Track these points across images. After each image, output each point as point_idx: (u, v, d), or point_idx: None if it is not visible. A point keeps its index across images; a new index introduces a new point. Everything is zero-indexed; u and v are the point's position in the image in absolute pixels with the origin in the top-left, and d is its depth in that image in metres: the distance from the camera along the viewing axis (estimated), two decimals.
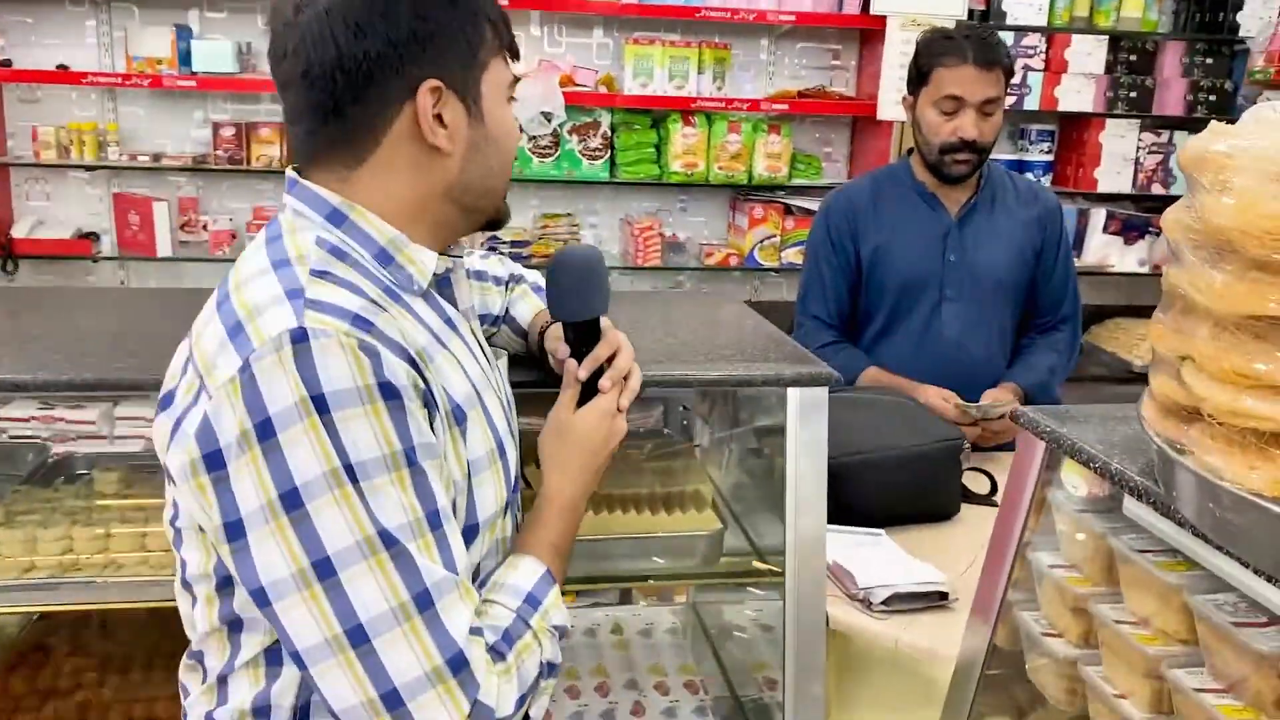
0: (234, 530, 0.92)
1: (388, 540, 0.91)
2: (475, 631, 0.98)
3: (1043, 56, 4.01)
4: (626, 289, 3.71)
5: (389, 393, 0.93)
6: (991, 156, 4.07)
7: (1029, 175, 4.22)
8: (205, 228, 3.77)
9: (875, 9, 3.77)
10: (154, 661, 1.86)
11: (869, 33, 3.96)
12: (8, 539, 1.54)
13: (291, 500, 0.90)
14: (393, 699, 0.92)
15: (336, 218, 1.03)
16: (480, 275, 1.43)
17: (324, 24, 0.98)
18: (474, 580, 1.08)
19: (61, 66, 3.64)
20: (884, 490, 1.90)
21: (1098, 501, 1.30)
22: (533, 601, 1.07)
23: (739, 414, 1.96)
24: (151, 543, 1.59)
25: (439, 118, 1.02)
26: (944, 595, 1.66)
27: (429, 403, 0.98)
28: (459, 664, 0.94)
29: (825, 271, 2.41)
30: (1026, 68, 3.98)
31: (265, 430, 0.90)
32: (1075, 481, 1.31)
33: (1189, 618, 1.13)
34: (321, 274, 0.98)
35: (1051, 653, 1.31)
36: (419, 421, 0.96)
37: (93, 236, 3.79)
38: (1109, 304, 4.30)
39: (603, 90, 3.79)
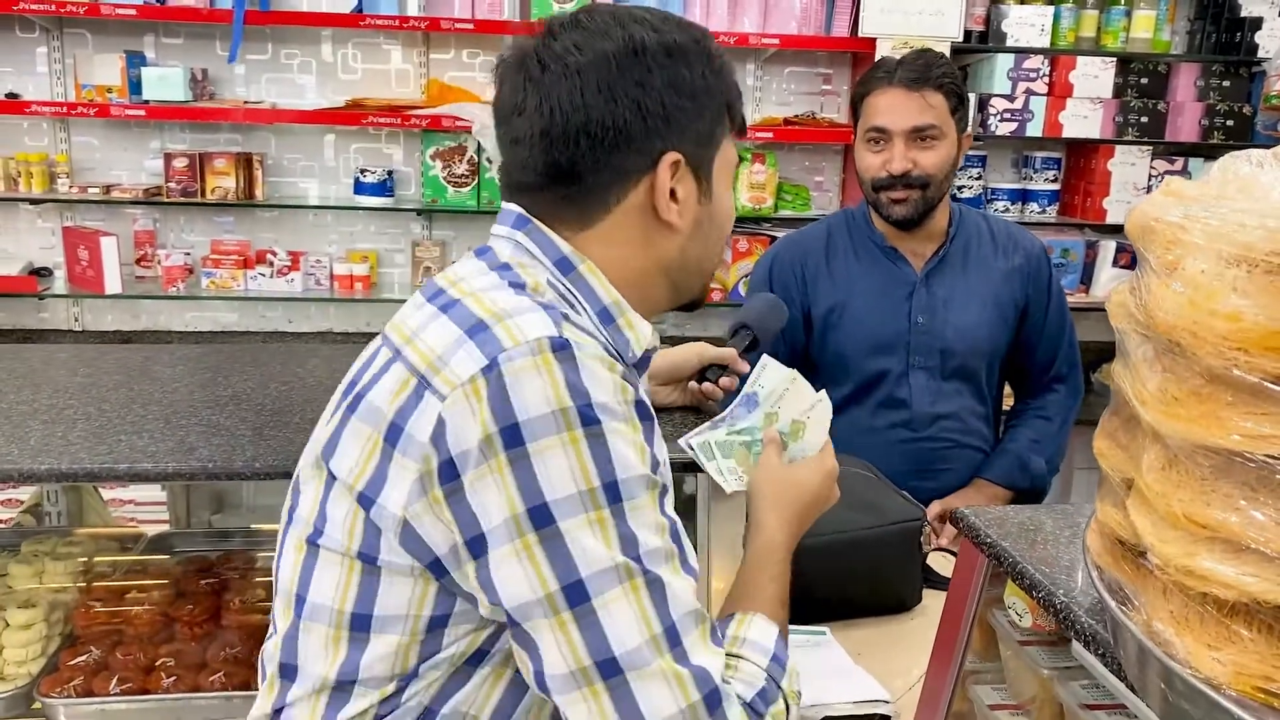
0: (476, 546, 0.88)
1: (636, 562, 0.87)
2: (725, 681, 0.92)
3: (1046, 80, 3.77)
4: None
5: (644, 412, 0.93)
6: (994, 185, 3.93)
7: (1033, 205, 4.00)
8: (159, 262, 3.59)
9: (864, 31, 3.55)
10: None
11: (860, 56, 3.74)
12: None
13: (540, 517, 0.85)
14: None
15: (565, 265, 1.00)
16: None
17: (575, 85, 0.96)
18: None
19: (11, 95, 3.49)
20: (833, 579, 1.66)
21: (1044, 634, 1.06)
22: (779, 662, 1.00)
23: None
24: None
25: (673, 192, 1.00)
26: (886, 719, 1.42)
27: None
28: (714, 703, 0.88)
29: None
30: (1029, 92, 3.75)
31: (511, 437, 0.85)
32: (1021, 608, 1.08)
33: None
34: (555, 311, 0.93)
35: None
36: (661, 442, 0.97)
37: (44, 272, 3.62)
38: None
39: None
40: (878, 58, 3.48)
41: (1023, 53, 3.73)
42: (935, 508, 1.99)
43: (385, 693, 0.94)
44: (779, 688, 0.97)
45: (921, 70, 1.97)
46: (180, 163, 3.50)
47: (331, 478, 0.94)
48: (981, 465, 2.11)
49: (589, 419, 0.86)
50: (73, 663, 1.41)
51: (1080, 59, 3.77)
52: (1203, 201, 0.74)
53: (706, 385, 1.58)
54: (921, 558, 1.78)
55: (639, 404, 0.92)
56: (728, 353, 1.58)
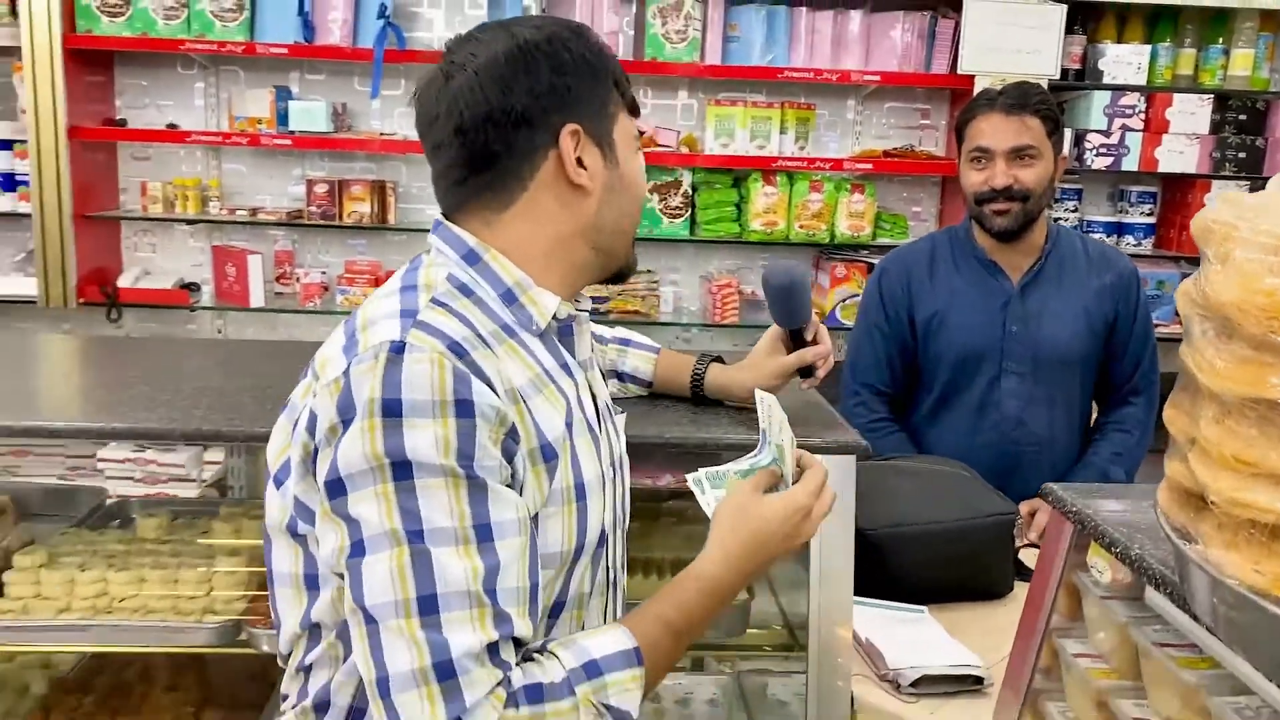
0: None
1: (412, 538, 0.95)
2: (494, 657, 0.96)
3: (1142, 116, 3.87)
4: (706, 346, 3.69)
5: (464, 410, 0.97)
6: (1090, 218, 4.03)
7: (1129, 238, 4.08)
8: (298, 280, 3.90)
9: (963, 69, 3.70)
10: (186, 710, 1.90)
11: (959, 92, 3.89)
12: (48, 580, 1.60)
13: (335, 489, 0.98)
14: (383, 687, 0.95)
15: (472, 258, 1.12)
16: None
17: (475, 84, 1.09)
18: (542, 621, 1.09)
19: (171, 126, 3.84)
20: (929, 566, 1.82)
21: (1122, 588, 1.22)
22: (592, 671, 1.01)
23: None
24: (183, 588, 1.62)
25: (579, 160, 1.12)
26: (979, 680, 1.57)
27: (513, 434, 1.02)
28: (446, 672, 0.94)
29: (876, 337, 2.33)
30: (1125, 128, 3.85)
31: (344, 427, 0.98)
32: (1101, 565, 1.24)
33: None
34: (441, 304, 1.06)
35: None
36: (488, 444, 0.99)
37: (193, 287, 3.95)
38: None
39: (684, 150, 3.81)
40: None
41: (1119, 90, 3.83)
42: (1025, 507, 2.13)
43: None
44: (571, 691, 0.98)
45: (1020, 97, 2.16)
46: (321, 188, 3.81)
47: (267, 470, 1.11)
48: (1065, 477, 2.24)
49: (390, 410, 0.95)
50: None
51: (1177, 95, 3.85)
52: (1253, 207, 0.90)
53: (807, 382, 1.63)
54: (1014, 551, 1.93)
55: (460, 403, 0.97)
56: (819, 350, 1.56)
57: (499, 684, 0.95)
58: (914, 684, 1.56)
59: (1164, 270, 4.00)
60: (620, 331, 1.69)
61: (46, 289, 3.66)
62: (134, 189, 3.90)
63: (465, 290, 1.09)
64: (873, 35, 3.81)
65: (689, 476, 1.20)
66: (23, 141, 3.61)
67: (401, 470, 0.95)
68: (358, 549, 0.97)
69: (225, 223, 3.90)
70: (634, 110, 1.21)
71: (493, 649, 0.96)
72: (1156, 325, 2.45)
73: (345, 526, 0.98)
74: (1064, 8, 3.65)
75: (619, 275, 1.24)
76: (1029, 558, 1.97)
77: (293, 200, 3.95)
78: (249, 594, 1.63)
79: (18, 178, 3.69)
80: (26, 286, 3.71)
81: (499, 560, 0.97)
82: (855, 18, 3.78)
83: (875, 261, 3.84)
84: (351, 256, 3.99)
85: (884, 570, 1.78)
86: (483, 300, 1.10)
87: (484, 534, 0.97)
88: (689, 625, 1.10)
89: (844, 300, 3.89)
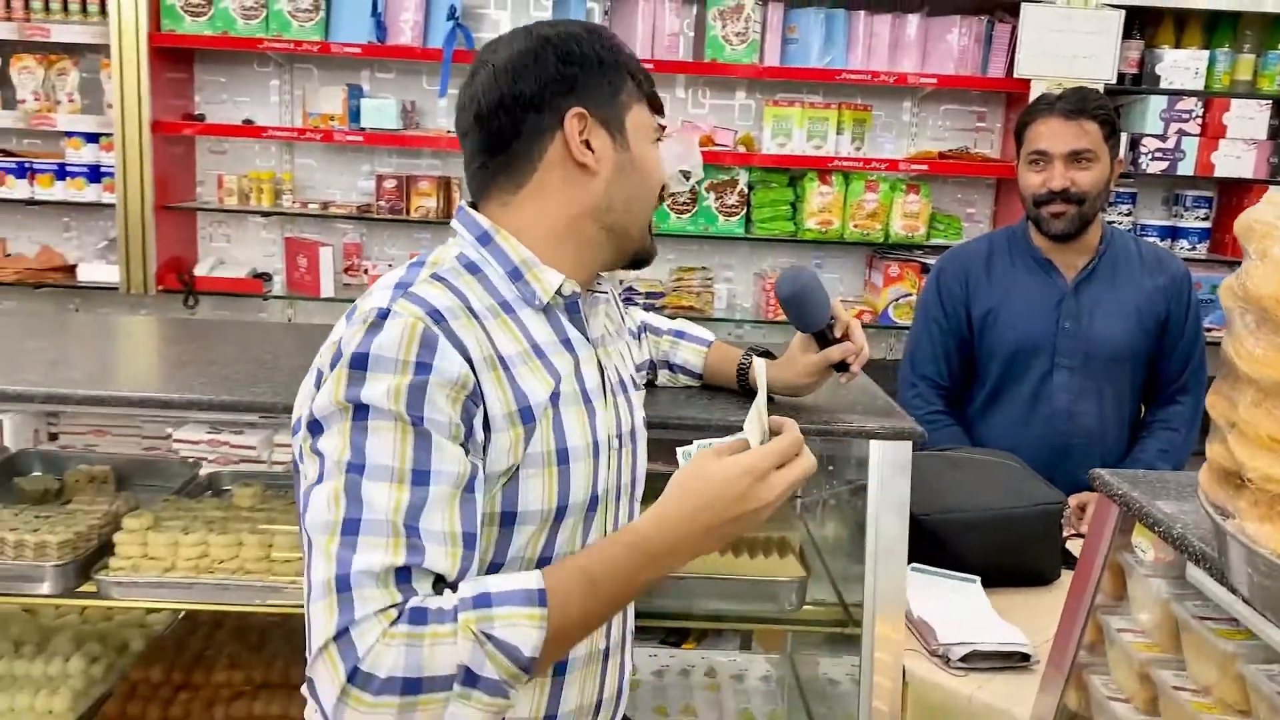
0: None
1: (353, 470, 1.04)
2: (400, 583, 1.01)
3: (1199, 121, 3.88)
4: (757, 341, 3.76)
5: (421, 369, 1.06)
6: (1144, 221, 4.06)
7: (1183, 242, 4.10)
8: (365, 272, 4.04)
9: (1019, 72, 3.75)
10: (275, 665, 2.02)
11: (1015, 96, 3.93)
12: (154, 542, 1.73)
13: (314, 428, 1.09)
14: (307, 595, 1.03)
15: (485, 239, 1.22)
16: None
17: (491, 76, 1.21)
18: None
19: (247, 121, 3.99)
20: (980, 550, 1.90)
21: (1165, 566, 1.29)
22: (482, 603, 1.02)
23: (837, 466, 1.99)
24: (278, 552, 1.74)
25: (587, 143, 1.21)
26: (1025, 657, 1.64)
27: (475, 398, 1.09)
28: (344, 585, 1.00)
29: (935, 332, 2.41)
30: (1181, 132, 3.87)
31: (326, 375, 1.09)
32: (1144, 545, 1.31)
33: (1246, 687, 1.12)
34: (440, 278, 1.15)
35: (1115, 717, 1.30)
36: (440, 401, 1.06)
37: (265, 276, 4.10)
38: None
39: (741, 150, 3.89)
40: (1032, 98, 3.69)
41: (1176, 94, 3.85)
42: (1075, 500, 2.19)
43: None
44: (454, 618, 1.00)
45: (1078, 102, 2.23)
46: (389, 184, 3.95)
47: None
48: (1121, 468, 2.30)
49: (357, 363, 1.06)
50: None
51: (1235, 101, 3.86)
52: None
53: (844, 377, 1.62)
54: (1061, 540, 2.00)
55: (419, 364, 1.05)
56: (847, 347, 1.57)
57: (393, 605, 1.00)
58: (963, 659, 1.63)
59: (1218, 275, 4.01)
60: (678, 324, 1.77)
61: (128, 276, 3.83)
62: (211, 181, 4.07)
63: (472, 268, 1.19)
64: (930, 38, 3.86)
65: (678, 449, 1.17)
66: (108, 135, 3.78)
67: (359, 412, 1.05)
68: (318, 478, 1.06)
69: (297, 215, 4.04)
70: (655, 106, 1.29)
71: (401, 574, 1.01)
72: (1208, 329, 2.50)
73: (316, 461, 1.08)
74: (1122, 13, 3.68)
75: (637, 260, 1.31)
76: (1076, 547, 2.03)
77: (361, 194, 4.09)
78: None
79: (103, 169, 3.86)
80: (109, 273, 3.88)
81: (427, 501, 1.04)
82: (913, 21, 3.84)
83: (929, 261, 3.91)
84: (416, 250, 4.12)
85: (937, 554, 1.86)
86: (488, 278, 1.19)
87: (419, 478, 1.05)
88: (613, 580, 1.09)
89: (897, 299, 3.95)
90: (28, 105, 3.84)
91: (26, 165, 3.88)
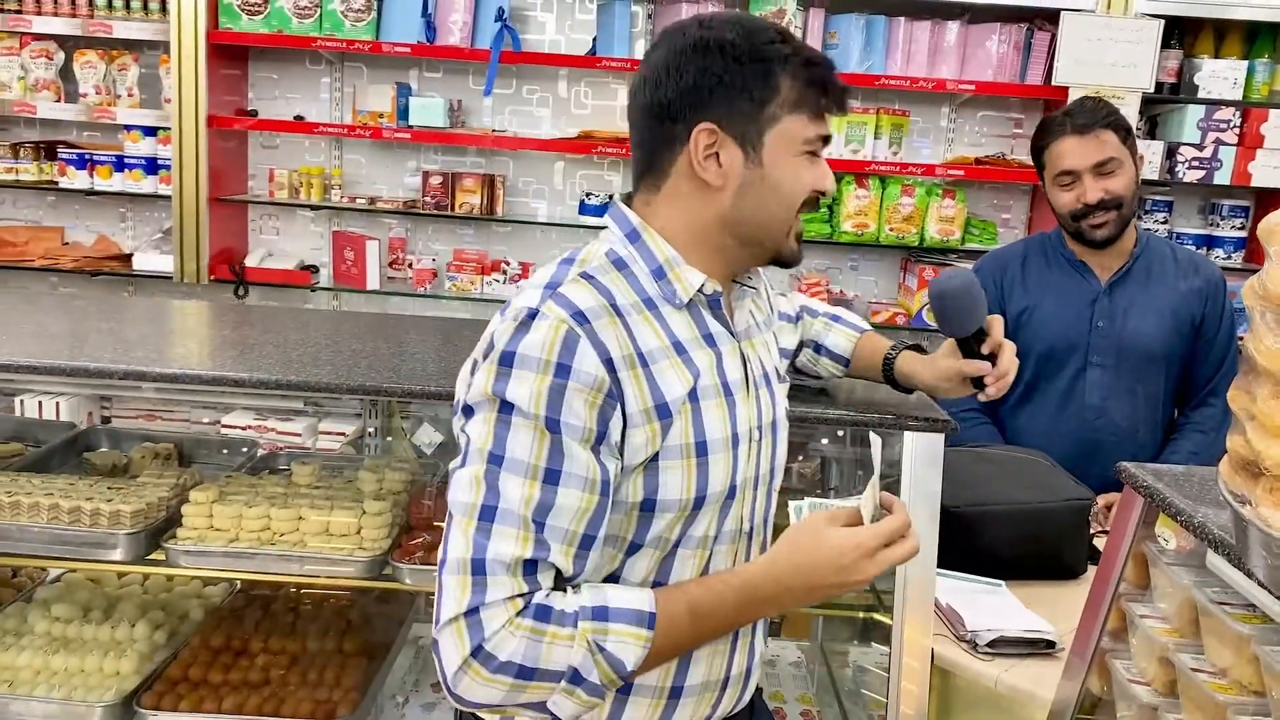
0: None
1: (494, 460, 1.13)
2: (527, 575, 1.11)
3: (1236, 130, 3.91)
4: None
5: (561, 371, 1.12)
6: (1179, 230, 4.08)
7: (1218, 251, 4.11)
8: (410, 266, 4.14)
9: (1058, 80, 3.78)
10: (329, 635, 2.11)
11: (1052, 103, 3.97)
12: (219, 514, 1.82)
13: (466, 411, 1.18)
14: (442, 565, 1.12)
15: (633, 236, 1.26)
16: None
17: (643, 79, 1.25)
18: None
19: (298, 118, 4.10)
20: (1009, 543, 1.96)
21: (1186, 555, 1.35)
22: (600, 615, 1.13)
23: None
24: (335, 526, 1.83)
25: (715, 157, 1.22)
26: (1050, 644, 1.70)
27: (613, 396, 1.15)
28: (479, 569, 1.10)
29: None
30: (1219, 142, 3.89)
31: (480, 366, 1.17)
32: (1167, 535, 1.37)
33: (1261, 668, 1.18)
34: (588, 277, 1.20)
35: (1135, 699, 1.36)
36: (577, 405, 1.13)
37: (313, 269, 4.21)
38: None
39: None
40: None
41: (1214, 104, 3.88)
42: (1104, 499, 2.24)
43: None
44: (575, 624, 1.11)
45: (1089, 116, 2.28)
46: (435, 180, 4.04)
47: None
48: None
49: (506, 360, 1.13)
50: (411, 542, 1.85)
51: (1273, 111, 3.88)
52: None
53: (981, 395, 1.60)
54: (1089, 536, 2.05)
55: (560, 366, 1.12)
56: (982, 366, 1.56)
57: (520, 595, 1.10)
58: (990, 644, 1.70)
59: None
60: (836, 309, 1.78)
61: (181, 265, 3.95)
62: (262, 175, 4.18)
63: (620, 265, 1.23)
64: (969, 45, 3.91)
65: (790, 503, 1.27)
66: (166, 128, 3.90)
67: (505, 407, 1.13)
68: (463, 459, 1.15)
69: (345, 209, 4.15)
70: (818, 114, 1.23)
71: (528, 566, 1.11)
72: (1242, 339, 2.53)
73: (464, 440, 1.16)
74: (1161, 22, 3.71)
75: (777, 262, 1.31)
76: (1103, 545, 2.09)
77: (408, 190, 4.19)
78: (392, 535, 1.83)
79: (159, 162, 3.99)
80: (163, 263, 4.00)
81: (555, 501, 1.12)
82: (952, 28, 3.89)
83: (964, 266, 3.96)
84: (460, 245, 4.22)
85: (967, 544, 1.92)
86: (634, 275, 1.23)
87: (550, 478, 1.12)
88: (714, 617, 1.19)
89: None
90: (89, 99, 3.97)
91: (86, 157, 4.01)
